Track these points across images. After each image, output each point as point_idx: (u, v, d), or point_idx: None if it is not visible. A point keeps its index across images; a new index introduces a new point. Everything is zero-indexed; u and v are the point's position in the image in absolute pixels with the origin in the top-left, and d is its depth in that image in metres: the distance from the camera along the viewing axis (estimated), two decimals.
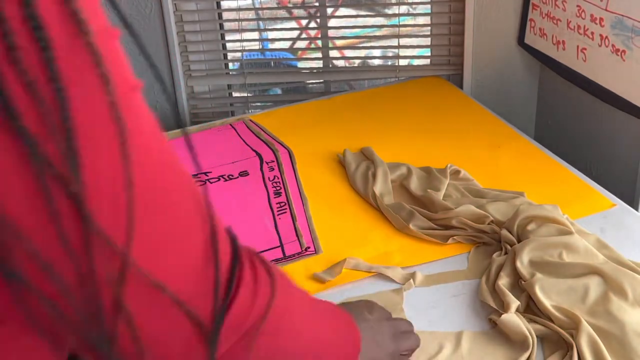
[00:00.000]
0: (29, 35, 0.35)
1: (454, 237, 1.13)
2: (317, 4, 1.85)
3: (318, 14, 1.95)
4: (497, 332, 0.95)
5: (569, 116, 1.66)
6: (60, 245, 0.38)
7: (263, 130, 1.52)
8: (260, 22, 2.13)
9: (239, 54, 1.90)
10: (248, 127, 1.54)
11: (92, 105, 0.39)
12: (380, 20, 2.62)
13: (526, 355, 0.90)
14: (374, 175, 1.28)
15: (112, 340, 0.42)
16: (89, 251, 0.39)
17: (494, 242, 1.11)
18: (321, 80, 1.90)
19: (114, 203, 0.40)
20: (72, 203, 0.38)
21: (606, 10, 1.34)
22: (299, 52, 2.50)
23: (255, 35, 2.01)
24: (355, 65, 2.53)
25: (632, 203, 1.35)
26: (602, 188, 1.26)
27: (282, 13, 2.46)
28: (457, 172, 1.30)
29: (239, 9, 1.83)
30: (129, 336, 0.43)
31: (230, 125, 1.56)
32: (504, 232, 1.09)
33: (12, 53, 0.34)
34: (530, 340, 0.90)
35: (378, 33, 2.04)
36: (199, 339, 0.47)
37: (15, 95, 0.35)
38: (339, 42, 2.17)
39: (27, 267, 0.38)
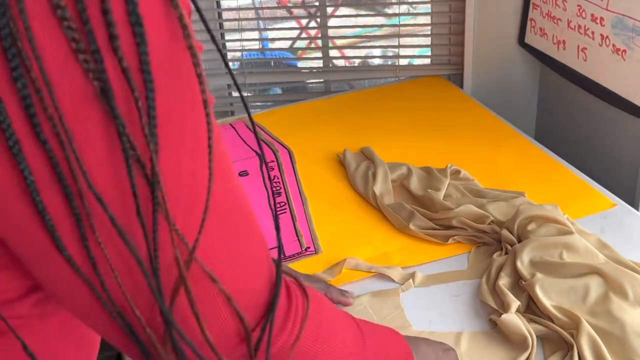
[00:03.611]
0: (129, 29, 0.39)
1: (454, 237, 1.13)
2: (317, 3, 1.85)
3: (318, 14, 1.95)
4: (496, 332, 0.95)
5: (570, 116, 1.66)
6: (137, 218, 0.42)
7: (263, 130, 1.52)
8: (260, 22, 2.13)
9: (238, 54, 1.89)
10: (248, 127, 1.53)
11: (182, 100, 0.43)
12: (380, 20, 2.62)
13: (525, 355, 0.89)
14: (374, 175, 1.28)
15: (169, 321, 0.46)
16: (156, 232, 0.43)
17: (494, 242, 1.11)
18: (321, 80, 1.90)
19: (190, 198, 0.44)
20: (148, 184, 0.42)
21: (607, 9, 1.33)
22: (299, 51, 2.49)
23: (255, 34, 2.01)
24: (356, 64, 2.53)
25: (632, 203, 1.35)
26: (602, 188, 1.26)
27: (282, 12, 2.46)
28: (458, 172, 1.30)
29: (238, 9, 1.83)
30: (185, 317, 0.47)
31: (230, 125, 1.55)
32: (504, 232, 1.09)
33: (113, 41, 0.39)
34: (530, 340, 0.90)
35: (378, 32, 2.04)
36: (241, 343, 0.51)
37: (112, 78, 0.39)
38: (339, 42, 2.16)
39: (104, 231, 0.42)
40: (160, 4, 0.41)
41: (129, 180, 0.41)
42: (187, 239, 0.44)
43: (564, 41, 1.50)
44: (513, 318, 0.92)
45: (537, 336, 0.92)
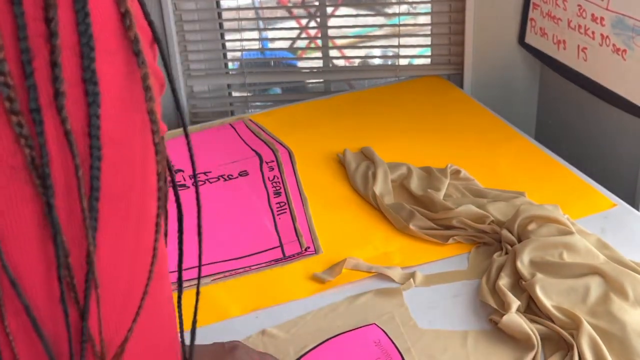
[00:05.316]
0: (81, 86, 0.34)
1: (455, 237, 1.13)
2: (317, 3, 1.84)
3: (318, 14, 1.95)
4: (502, 331, 0.95)
5: (570, 116, 1.66)
6: (60, 307, 0.36)
7: (263, 130, 1.51)
8: (260, 22, 2.13)
9: (238, 54, 1.89)
10: (248, 127, 1.53)
11: (131, 172, 0.37)
12: (380, 20, 2.61)
13: (532, 354, 0.89)
14: (374, 175, 1.28)
15: None
16: (85, 328, 0.37)
17: (495, 242, 1.11)
18: (321, 80, 1.90)
19: (126, 292, 0.39)
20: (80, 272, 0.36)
21: (607, 9, 1.33)
22: (299, 51, 2.49)
23: (255, 34, 2.00)
24: (355, 64, 2.53)
25: (632, 203, 1.35)
26: (602, 188, 1.26)
27: (282, 12, 2.46)
28: (458, 171, 1.30)
29: (238, 9, 1.83)
30: None
31: (230, 125, 1.55)
32: (505, 232, 1.08)
33: (58, 99, 0.33)
34: (535, 339, 0.90)
35: (378, 32, 2.04)
36: None
37: (50, 142, 0.34)
38: (339, 42, 2.16)
39: (15, 320, 0.36)
40: (124, 61, 0.36)
41: (55, 263, 0.35)
42: (111, 344, 0.39)
43: (564, 41, 1.50)
44: (514, 318, 0.92)
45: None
